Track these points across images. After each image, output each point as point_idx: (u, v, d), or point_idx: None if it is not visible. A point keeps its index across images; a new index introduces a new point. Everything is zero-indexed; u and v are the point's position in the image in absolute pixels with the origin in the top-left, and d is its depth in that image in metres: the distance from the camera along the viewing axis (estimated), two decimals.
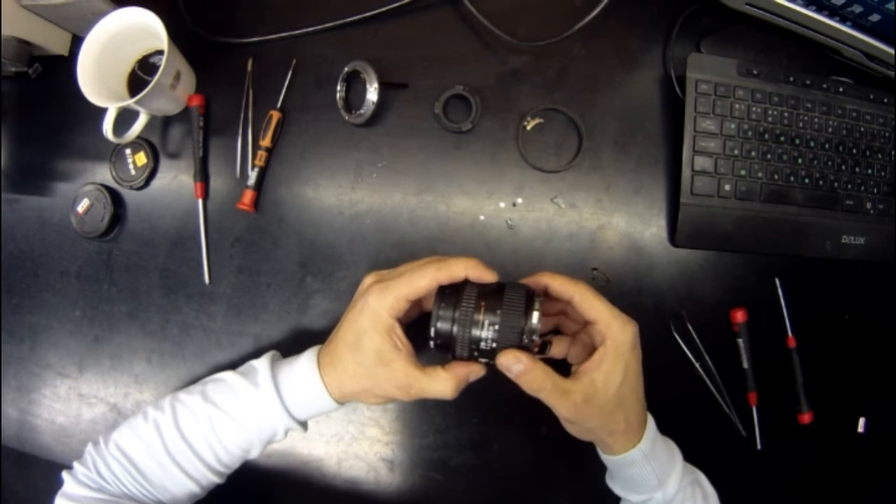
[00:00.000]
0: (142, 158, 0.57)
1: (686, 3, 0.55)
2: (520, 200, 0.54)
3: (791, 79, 0.52)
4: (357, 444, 0.54)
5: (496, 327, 0.36)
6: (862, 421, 0.54)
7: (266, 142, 0.55)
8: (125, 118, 0.53)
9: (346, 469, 0.54)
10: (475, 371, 0.39)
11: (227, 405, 0.41)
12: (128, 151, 0.58)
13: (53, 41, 0.59)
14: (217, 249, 0.56)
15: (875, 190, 0.54)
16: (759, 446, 0.52)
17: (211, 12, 0.58)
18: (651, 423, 0.41)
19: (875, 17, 0.49)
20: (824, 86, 0.53)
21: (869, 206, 0.54)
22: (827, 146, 0.53)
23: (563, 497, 0.52)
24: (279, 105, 0.56)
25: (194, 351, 0.56)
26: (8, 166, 0.61)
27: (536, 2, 0.55)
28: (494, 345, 0.36)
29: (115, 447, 0.41)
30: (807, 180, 0.52)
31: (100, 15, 0.52)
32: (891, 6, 0.47)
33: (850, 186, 0.53)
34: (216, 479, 0.43)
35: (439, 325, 0.37)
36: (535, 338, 0.36)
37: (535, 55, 0.55)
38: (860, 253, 0.54)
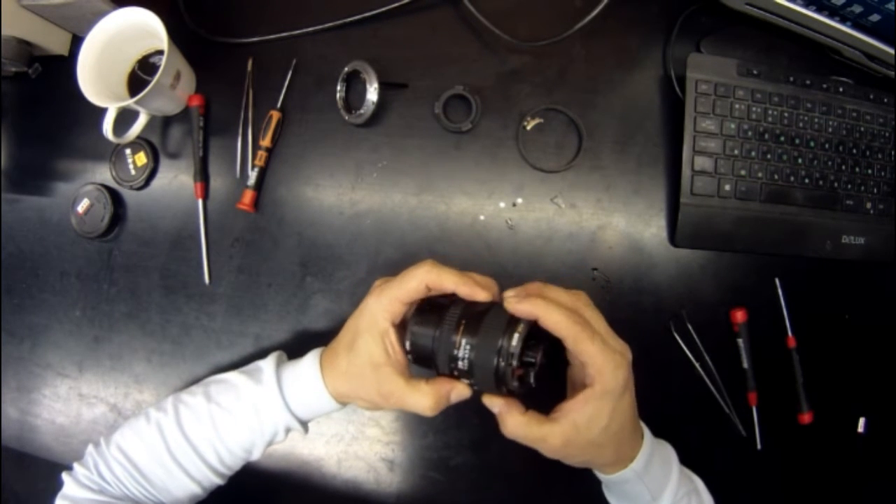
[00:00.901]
0: (142, 158, 0.57)
1: (686, 3, 0.55)
2: (520, 200, 0.54)
3: (791, 79, 0.52)
4: (357, 444, 0.54)
5: (472, 347, 0.35)
6: (862, 421, 0.54)
7: (266, 142, 0.55)
8: (125, 118, 0.53)
9: (346, 469, 0.54)
10: (458, 391, 0.38)
11: (230, 405, 0.41)
12: (128, 151, 0.58)
13: (53, 41, 0.59)
14: (217, 249, 0.56)
15: (875, 190, 0.54)
16: (759, 446, 0.52)
17: (211, 12, 0.58)
18: (647, 440, 0.39)
19: (875, 17, 0.49)
20: (824, 86, 0.53)
21: (869, 206, 0.54)
22: (827, 146, 0.53)
23: (563, 497, 0.52)
24: (279, 105, 0.56)
25: (194, 351, 0.56)
26: (8, 166, 0.61)
27: (536, 2, 0.55)
28: (470, 365, 0.35)
29: (116, 448, 0.41)
30: (807, 180, 0.52)
31: (100, 15, 0.52)
32: (891, 6, 0.47)
33: (850, 186, 0.53)
34: (218, 481, 0.43)
35: (412, 339, 0.37)
36: (514, 362, 0.34)
37: (535, 55, 0.55)
38: (860, 253, 0.54)
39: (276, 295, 0.55)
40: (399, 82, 0.55)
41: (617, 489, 0.42)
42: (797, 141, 0.52)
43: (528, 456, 0.52)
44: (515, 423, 0.36)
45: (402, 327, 0.39)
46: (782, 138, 0.52)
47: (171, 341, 0.56)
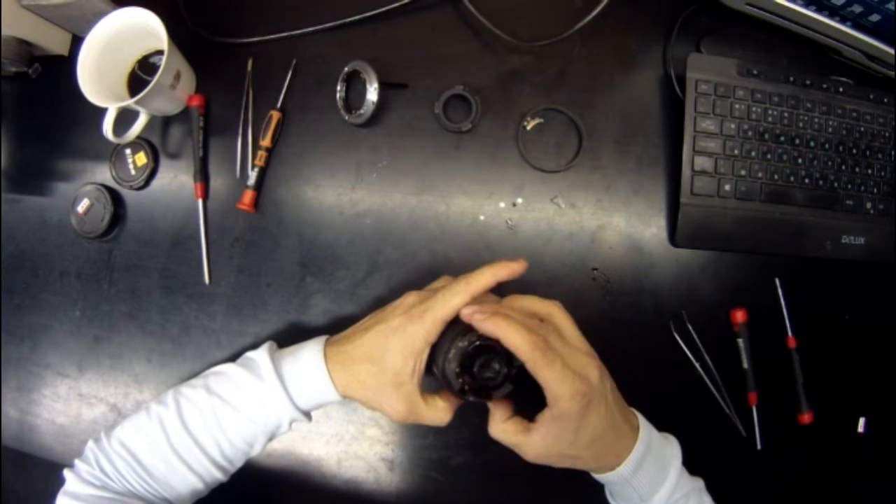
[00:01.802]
0: (142, 158, 0.57)
1: (686, 3, 0.55)
2: (520, 200, 0.54)
3: (791, 79, 0.52)
4: (357, 444, 0.54)
5: (437, 352, 0.38)
6: (862, 421, 0.54)
7: (266, 142, 0.55)
8: (125, 118, 0.53)
9: (346, 469, 0.54)
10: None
11: (231, 397, 0.41)
12: (128, 151, 0.58)
13: (53, 41, 0.59)
14: (217, 249, 0.56)
15: (875, 190, 0.54)
16: (759, 446, 0.52)
17: (211, 12, 0.58)
18: (639, 444, 0.39)
19: (875, 17, 0.49)
20: (824, 86, 0.53)
21: (869, 206, 0.54)
22: (827, 146, 0.53)
23: (563, 497, 0.52)
24: (279, 105, 0.56)
25: (194, 351, 0.56)
26: (8, 166, 0.61)
27: (536, 2, 0.55)
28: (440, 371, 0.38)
29: (118, 443, 0.41)
30: (807, 180, 0.52)
31: (100, 15, 0.52)
32: (891, 6, 0.47)
33: (850, 186, 0.53)
34: (219, 476, 0.42)
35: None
36: (454, 367, 0.36)
37: (535, 55, 0.55)
38: (860, 253, 0.54)
39: (276, 295, 0.55)
40: (399, 82, 0.55)
41: (608, 487, 0.43)
42: (797, 141, 0.52)
43: None
44: (497, 426, 0.39)
45: None
46: (782, 138, 0.52)
47: (171, 341, 0.56)
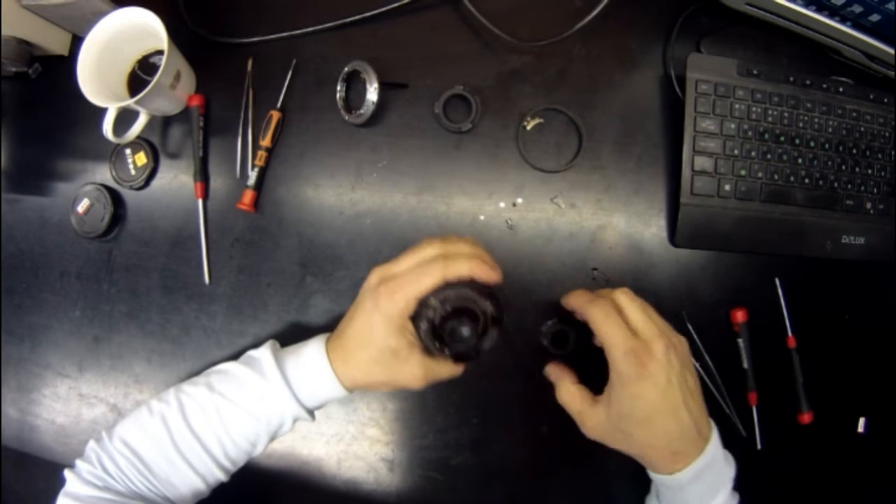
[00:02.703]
0: (142, 158, 0.57)
1: (686, 3, 0.55)
2: (520, 200, 0.54)
3: (791, 79, 0.52)
4: (357, 444, 0.54)
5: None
6: (862, 421, 0.54)
7: (266, 142, 0.55)
8: (125, 118, 0.53)
9: (346, 469, 0.54)
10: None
11: (234, 396, 0.41)
12: (128, 151, 0.58)
13: (53, 41, 0.59)
14: (217, 249, 0.56)
15: (875, 190, 0.54)
16: (759, 446, 0.52)
17: (211, 12, 0.58)
18: (705, 455, 0.38)
19: (875, 17, 0.49)
20: (824, 86, 0.53)
21: (869, 206, 0.54)
22: (827, 146, 0.53)
23: (563, 497, 0.52)
24: (279, 105, 0.56)
25: (194, 351, 0.56)
26: (8, 166, 0.61)
27: (536, 2, 0.55)
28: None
29: (120, 441, 0.41)
30: (807, 180, 0.52)
31: (100, 15, 0.52)
32: (891, 6, 0.47)
33: (850, 186, 0.53)
34: (221, 476, 0.42)
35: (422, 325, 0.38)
36: (429, 340, 0.37)
37: (535, 55, 0.55)
38: (860, 253, 0.54)
39: (276, 295, 0.55)
40: (399, 82, 0.55)
41: (655, 488, 0.43)
42: (797, 141, 0.52)
43: (528, 456, 0.53)
44: (566, 390, 0.41)
45: None
46: (782, 138, 0.52)
47: (171, 341, 0.56)
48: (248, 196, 0.54)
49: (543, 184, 0.54)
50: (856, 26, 0.51)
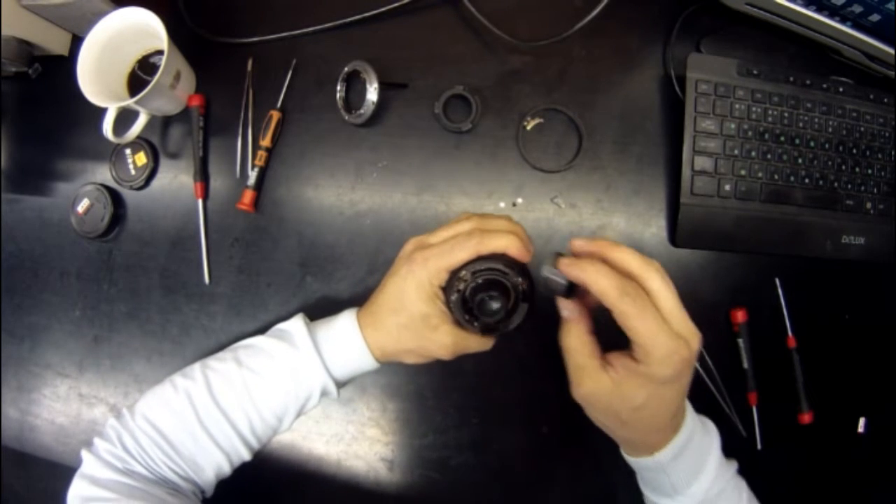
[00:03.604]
0: (142, 158, 0.57)
1: (686, 3, 0.55)
2: (520, 200, 0.54)
3: (791, 79, 0.52)
4: (357, 444, 0.54)
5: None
6: (862, 421, 0.54)
7: (266, 142, 0.55)
8: (125, 118, 0.53)
9: (346, 469, 0.54)
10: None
11: (263, 369, 0.40)
12: (128, 151, 0.58)
13: (53, 41, 0.59)
14: (217, 249, 0.56)
15: (875, 190, 0.54)
16: (759, 446, 0.52)
17: (211, 12, 0.58)
18: (684, 431, 0.36)
19: (875, 17, 0.49)
20: (824, 86, 0.53)
21: (869, 206, 0.54)
22: (827, 146, 0.53)
23: (563, 497, 0.52)
24: (279, 105, 0.56)
25: (194, 351, 0.56)
26: (8, 166, 0.61)
27: (536, 2, 0.55)
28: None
29: (142, 419, 0.40)
30: (807, 180, 0.52)
31: (100, 15, 0.52)
32: (891, 6, 0.47)
33: (850, 186, 0.53)
34: (246, 455, 0.41)
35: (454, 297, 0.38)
36: (460, 313, 0.36)
37: (535, 55, 0.55)
38: (860, 253, 0.54)
39: (276, 295, 0.55)
40: (399, 82, 0.55)
41: (638, 473, 0.41)
42: (797, 141, 0.52)
43: (528, 456, 0.53)
44: (573, 336, 0.35)
45: None
46: (782, 138, 0.52)
47: (171, 341, 0.56)
48: (248, 196, 0.54)
49: (543, 184, 0.54)
50: (856, 26, 0.51)
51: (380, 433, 0.53)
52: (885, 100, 0.54)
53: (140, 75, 0.56)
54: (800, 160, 0.52)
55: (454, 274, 0.37)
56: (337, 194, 0.55)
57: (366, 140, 0.55)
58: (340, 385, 0.42)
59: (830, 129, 0.53)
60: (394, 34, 0.56)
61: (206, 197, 0.56)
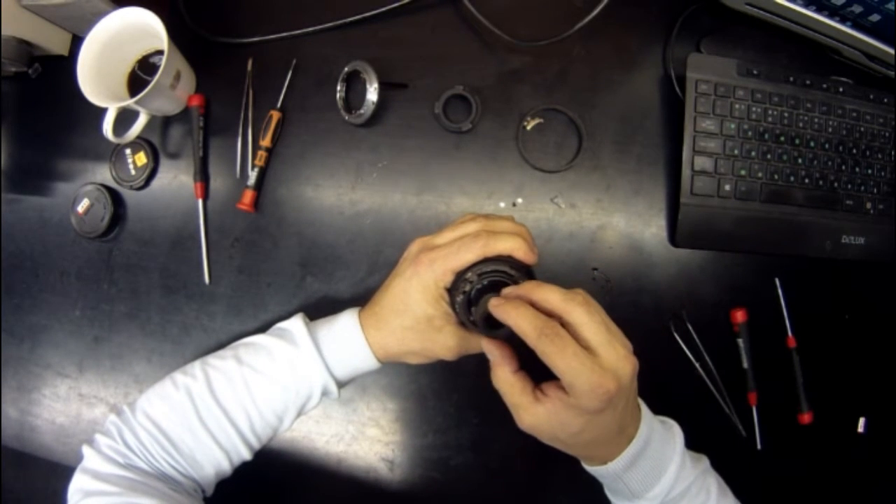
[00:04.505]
0: (142, 158, 0.57)
1: (686, 3, 0.55)
2: (520, 200, 0.54)
3: (791, 79, 0.52)
4: (357, 444, 0.54)
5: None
6: (862, 421, 0.54)
7: (266, 142, 0.55)
8: (125, 118, 0.53)
9: (346, 469, 0.54)
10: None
11: (263, 367, 0.40)
12: (128, 151, 0.58)
13: (53, 41, 0.59)
14: (217, 249, 0.56)
15: (875, 190, 0.54)
16: (759, 446, 0.52)
17: (211, 12, 0.58)
18: (638, 439, 0.36)
19: (875, 17, 0.49)
20: (824, 86, 0.53)
21: (869, 206, 0.54)
22: (827, 146, 0.53)
23: (563, 497, 0.52)
24: (279, 105, 0.56)
25: (194, 351, 0.56)
26: (8, 166, 0.61)
27: (536, 2, 0.55)
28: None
29: (143, 415, 0.40)
30: (807, 180, 0.52)
31: (100, 15, 0.52)
32: (891, 6, 0.47)
33: (850, 186, 0.53)
34: (245, 454, 0.41)
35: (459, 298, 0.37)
36: (464, 314, 0.36)
37: (535, 55, 0.55)
38: (860, 253, 0.54)
39: (276, 295, 0.55)
40: (399, 82, 0.55)
41: (598, 479, 0.40)
42: (797, 141, 0.52)
43: (528, 456, 0.53)
44: (503, 377, 0.36)
45: None
46: (782, 138, 0.52)
47: (171, 341, 0.56)
48: (248, 196, 0.54)
49: (543, 184, 0.54)
50: (856, 26, 0.51)
51: (380, 433, 0.53)
52: (885, 100, 0.54)
53: (140, 75, 0.56)
54: (800, 160, 0.52)
55: (460, 275, 0.37)
56: (337, 194, 0.55)
57: (366, 140, 0.55)
58: (341, 385, 0.42)
59: (830, 129, 0.53)
60: (394, 34, 0.56)
61: (206, 197, 0.56)
